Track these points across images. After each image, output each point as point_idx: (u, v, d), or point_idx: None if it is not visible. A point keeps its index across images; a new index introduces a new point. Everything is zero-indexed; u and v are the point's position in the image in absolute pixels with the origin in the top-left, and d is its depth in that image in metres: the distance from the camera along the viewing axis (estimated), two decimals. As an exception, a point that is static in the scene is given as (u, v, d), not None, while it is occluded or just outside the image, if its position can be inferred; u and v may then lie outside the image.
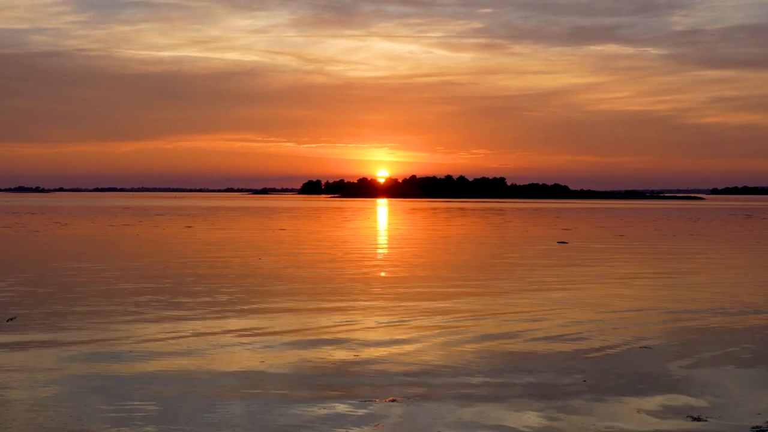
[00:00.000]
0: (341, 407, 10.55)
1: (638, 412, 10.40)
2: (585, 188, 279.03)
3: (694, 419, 10.05)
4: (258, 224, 67.13)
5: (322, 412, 10.34)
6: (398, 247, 42.30)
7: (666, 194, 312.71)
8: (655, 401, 10.90)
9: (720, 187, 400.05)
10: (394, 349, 14.24)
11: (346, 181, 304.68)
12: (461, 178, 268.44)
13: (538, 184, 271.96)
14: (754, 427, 9.74)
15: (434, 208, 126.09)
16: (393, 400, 10.85)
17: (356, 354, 13.85)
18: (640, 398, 11.04)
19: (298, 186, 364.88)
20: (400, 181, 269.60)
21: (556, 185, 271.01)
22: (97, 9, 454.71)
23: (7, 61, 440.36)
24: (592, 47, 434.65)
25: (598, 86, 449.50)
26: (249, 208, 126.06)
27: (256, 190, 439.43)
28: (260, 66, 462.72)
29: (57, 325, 16.53)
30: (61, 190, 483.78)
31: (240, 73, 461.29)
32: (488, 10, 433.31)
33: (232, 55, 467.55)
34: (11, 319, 17.10)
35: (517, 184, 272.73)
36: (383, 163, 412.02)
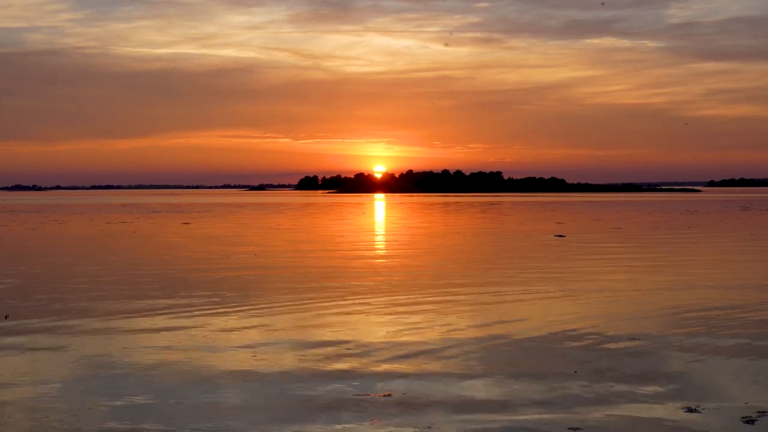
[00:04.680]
0: (338, 403, 10.59)
1: (632, 403, 10.45)
2: (582, 182, 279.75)
3: (689, 410, 10.10)
4: (254, 220, 67.15)
5: (318, 407, 10.38)
6: (395, 242, 42.33)
7: (663, 187, 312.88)
8: (650, 393, 10.95)
9: (717, 179, 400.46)
10: (390, 344, 14.28)
11: (342, 177, 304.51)
12: (458, 173, 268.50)
13: (534, 177, 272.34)
14: (744, 417, 9.82)
15: (431, 203, 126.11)
16: (388, 395, 10.89)
17: (351, 349, 13.89)
18: (634, 390, 11.09)
19: (295, 182, 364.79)
20: (396, 176, 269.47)
21: (552, 179, 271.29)
22: (94, 7, 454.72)
23: (3, 59, 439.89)
24: (589, 41, 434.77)
25: (595, 80, 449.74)
26: (246, 204, 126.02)
27: (252, 186, 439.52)
28: (257, 62, 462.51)
29: (54, 322, 16.56)
30: (58, 188, 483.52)
31: (236, 69, 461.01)
32: (485, 5, 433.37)
33: (228, 52, 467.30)
34: (6, 317, 17.13)
35: (514, 178, 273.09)
36: (380, 158, 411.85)
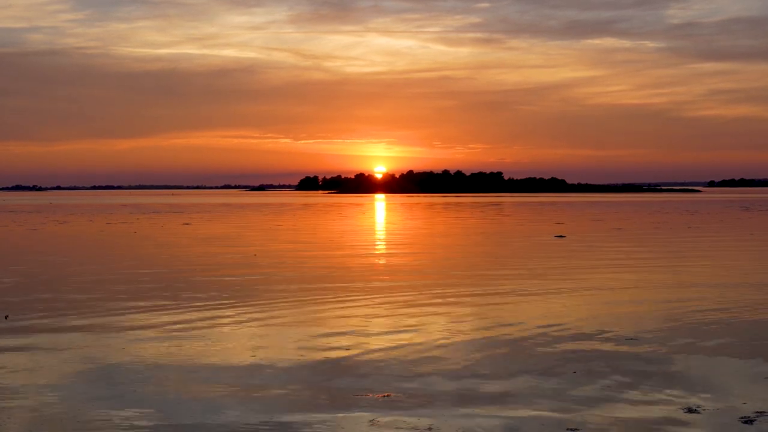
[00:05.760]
0: (337, 403, 10.61)
1: (631, 403, 10.47)
2: (582, 182, 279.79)
3: (688, 411, 10.12)
4: (255, 221, 67.17)
5: (318, 407, 10.40)
6: (395, 242, 42.36)
7: (663, 187, 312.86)
8: (649, 393, 10.97)
9: (717, 179, 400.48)
10: (390, 343, 14.30)
11: (343, 177, 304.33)
12: (458, 173, 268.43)
13: (535, 178, 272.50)
14: (742, 417, 9.85)
15: (431, 204, 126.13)
16: (387, 395, 10.91)
17: (350, 349, 13.91)
18: (633, 390, 11.12)
19: (296, 182, 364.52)
20: (397, 176, 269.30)
21: (553, 179, 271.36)
22: (95, 7, 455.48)
23: (3, 59, 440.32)
24: (590, 41, 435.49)
25: (595, 80, 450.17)
26: (246, 204, 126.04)
27: (253, 186, 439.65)
28: (257, 62, 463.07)
29: (54, 322, 16.58)
30: (58, 188, 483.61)
31: (237, 69, 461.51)
32: (485, 5, 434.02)
33: (229, 52, 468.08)
34: (6, 317, 17.15)
35: (515, 178, 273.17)
36: (380, 158, 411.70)
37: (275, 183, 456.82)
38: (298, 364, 12.82)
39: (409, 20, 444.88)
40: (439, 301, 19.62)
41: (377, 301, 19.64)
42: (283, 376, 12.04)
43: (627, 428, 9.50)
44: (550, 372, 12.21)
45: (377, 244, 40.48)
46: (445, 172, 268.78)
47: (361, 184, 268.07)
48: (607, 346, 14.09)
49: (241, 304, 19.15)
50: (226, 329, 15.85)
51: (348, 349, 13.90)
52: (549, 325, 16.11)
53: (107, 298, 20.26)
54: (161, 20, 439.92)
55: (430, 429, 9.48)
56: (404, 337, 14.95)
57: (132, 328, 15.93)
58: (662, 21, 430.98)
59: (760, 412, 10.02)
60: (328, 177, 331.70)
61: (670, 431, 9.41)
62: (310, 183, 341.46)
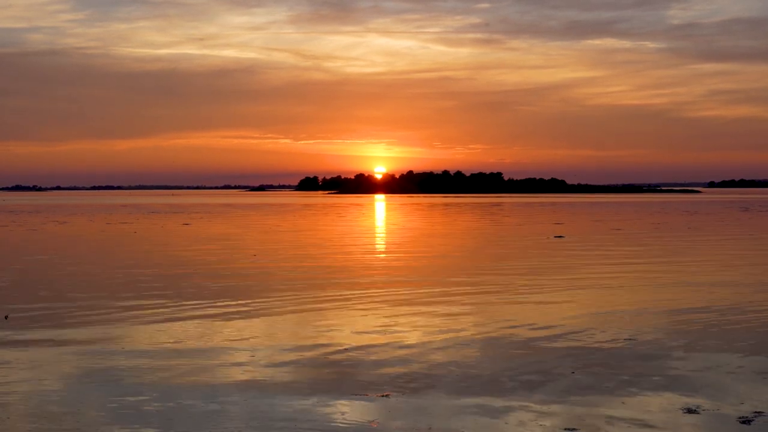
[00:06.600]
0: (336, 404, 10.62)
1: (630, 404, 10.48)
2: (582, 182, 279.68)
3: (687, 411, 10.13)
4: (254, 221, 67.19)
5: (317, 408, 10.42)
6: (394, 243, 42.36)
7: (663, 188, 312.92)
8: (647, 393, 10.98)
9: (717, 180, 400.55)
10: (389, 344, 14.32)
11: (343, 178, 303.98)
12: (458, 174, 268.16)
13: (535, 178, 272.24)
14: (740, 417, 9.86)
15: (431, 204, 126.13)
16: (386, 395, 10.93)
17: (349, 350, 13.92)
18: (631, 391, 11.13)
19: (295, 182, 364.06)
20: (397, 177, 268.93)
21: (553, 180, 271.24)
22: (95, 7, 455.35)
23: (3, 59, 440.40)
24: (590, 41, 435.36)
25: (595, 80, 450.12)
26: (246, 205, 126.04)
27: (253, 186, 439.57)
28: (258, 63, 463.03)
29: (54, 323, 16.60)
30: (58, 188, 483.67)
31: (237, 70, 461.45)
32: (486, 5, 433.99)
33: (229, 52, 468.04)
34: (6, 317, 17.16)
35: (514, 178, 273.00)
36: (380, 159, 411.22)
37: (275, 183, 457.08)
38: (297, 365, 12.84)
39: (409, 21, 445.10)
40: (439, 301, 19.64)
41: (377, 301, 19.66)
42: (281, 376, 12.05)
43: (626, 428, 9.51)
44: (550, 372, 12.22)
45: (377, 245, 40.50)
46: (445, 173, 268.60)
47: (361, 185, 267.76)
48: (606, 346, 14.11)
49: (240, 305, 19.16)
50: (225, 330, 15.86)
51: (347, 350, 13.91)
52: (548, 325, 16.13)
53: (107, 298, 20.26)
54: (161, 20, 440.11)
55: (429, 429, 9.50)
56: (403, 338, 14.97)
57: (132, 330, 15.94)
58: (663, 21, 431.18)
59: (759, 413, 10.04)
60: (328, 177, 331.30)
61: (670, 431, 9.43)
62: (309, 183, 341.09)
